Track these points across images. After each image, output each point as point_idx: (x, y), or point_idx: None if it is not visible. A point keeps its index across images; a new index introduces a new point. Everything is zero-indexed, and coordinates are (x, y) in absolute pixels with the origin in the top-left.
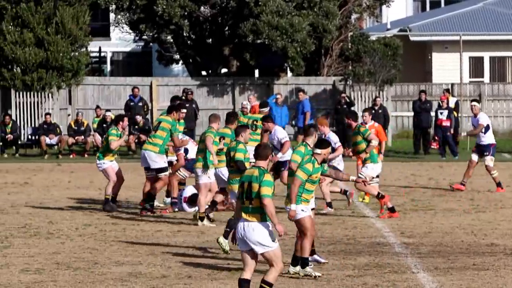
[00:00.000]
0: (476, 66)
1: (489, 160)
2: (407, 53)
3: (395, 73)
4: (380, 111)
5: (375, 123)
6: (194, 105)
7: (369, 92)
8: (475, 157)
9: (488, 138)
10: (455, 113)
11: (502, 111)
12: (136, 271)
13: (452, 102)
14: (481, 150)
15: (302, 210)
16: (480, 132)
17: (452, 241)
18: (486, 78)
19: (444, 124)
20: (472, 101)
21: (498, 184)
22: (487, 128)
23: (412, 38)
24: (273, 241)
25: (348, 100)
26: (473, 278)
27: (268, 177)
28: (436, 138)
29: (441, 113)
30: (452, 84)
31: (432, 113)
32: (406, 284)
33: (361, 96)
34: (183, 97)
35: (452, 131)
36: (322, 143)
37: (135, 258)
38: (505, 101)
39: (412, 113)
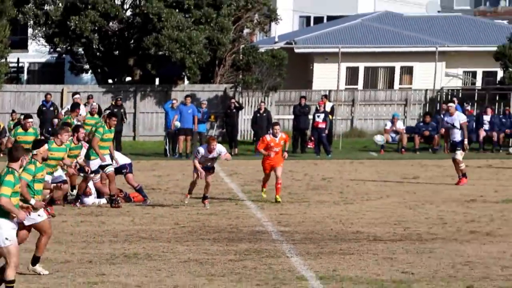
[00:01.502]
0: (352, 75)
1: (459, 154)
2: (292, 63)
3: (280, 81)
4: (264, 114)
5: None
6: (122, 110)
7: (256, 98)
8: (454, 154)
9: (459, 135)
10: (330, 116)
11: (372, 114)
12: (42, 257)
13: (328, 106)
14: (454, 146)
15: (39, 215)
16: (455, 129)
17: (322, 229)
18: (360, 85)
19: (320, 126)
20: (448, 102)
21: (464, 175)
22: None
23: (296, 50)
24: (7, 239)
25: (237, 105)
26: (339, 262)
27: (10, 177)
28: (312, 138)
29: (318, 116)
30: (330, 91)
31: (310, 116)
32: (281, 267)
33: (248, 102)
34: (113, 103)
35: (326, 131)
36: (36, 143)
37: None
38: (375, 106)
39: (292, 116)
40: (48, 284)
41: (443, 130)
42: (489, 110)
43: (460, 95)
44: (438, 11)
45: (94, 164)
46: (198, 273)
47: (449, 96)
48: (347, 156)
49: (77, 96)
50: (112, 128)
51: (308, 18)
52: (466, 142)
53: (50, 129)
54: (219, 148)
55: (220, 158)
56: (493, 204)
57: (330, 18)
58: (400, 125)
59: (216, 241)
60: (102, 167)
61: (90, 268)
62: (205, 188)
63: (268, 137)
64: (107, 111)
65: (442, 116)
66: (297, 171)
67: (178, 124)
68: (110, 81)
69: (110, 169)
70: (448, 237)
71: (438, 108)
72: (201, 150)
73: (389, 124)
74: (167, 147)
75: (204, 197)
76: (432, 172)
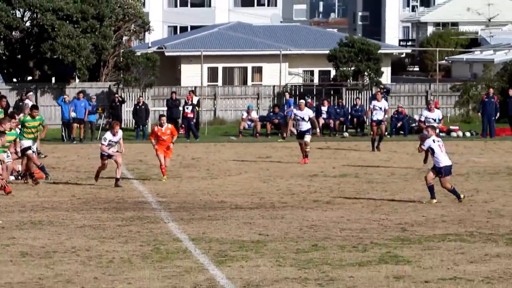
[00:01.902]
0: (212, 74)
1: (308, 138)
2: (163, 65)
3: (154, 79)
4: (143, 107)
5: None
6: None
7: (135, 93)
8: (302, 140)
9: (306, 126)
10: (197, 108)
11: (230, 106)
12: None
13: (195, 100)
14: (302, 133)
15: None
16: (303, 122)
17: (193, 199)
18: (220, 82)
19: (189, 115)
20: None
21: (306, 156)
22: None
23: (166, 54)
24: None
25: (120, 99)
26: (208, 226)
27: None
28: (183, 126)
29: (187, 108)
30: (195, 87)
31: (180, 108)
32: (160, 231)
33: (129, 96)
34: (20, 98)
35: (194, 120)
36: None
37: None
38: (233, 99)
39: (166, 108)
40: None
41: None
42: (325, 102)
43: (301, 90)
44: (281, 21)
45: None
46: (92, 236)
47: (293, 91)
48: (211, 140)
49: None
50: (36, 118)
51: (175, 27)
52: (318, 131)
53: None
54: (120, 132)
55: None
56: (332, 178)
57: (193, 27)
58: (254, 115)
59: (106, 210)
60: (25, 149)
61: (3, 233)
62: (117, 170)
63: (156, 128)
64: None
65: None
66: None
67: (74, 114)
68: (14, 80)
69: (30, 151)
70: (295, 205)
71: (284, 101)
72: (108, 135)
73: (245, 114)
74: (63, 134)
75: (117, 179)
76: (281, 153)
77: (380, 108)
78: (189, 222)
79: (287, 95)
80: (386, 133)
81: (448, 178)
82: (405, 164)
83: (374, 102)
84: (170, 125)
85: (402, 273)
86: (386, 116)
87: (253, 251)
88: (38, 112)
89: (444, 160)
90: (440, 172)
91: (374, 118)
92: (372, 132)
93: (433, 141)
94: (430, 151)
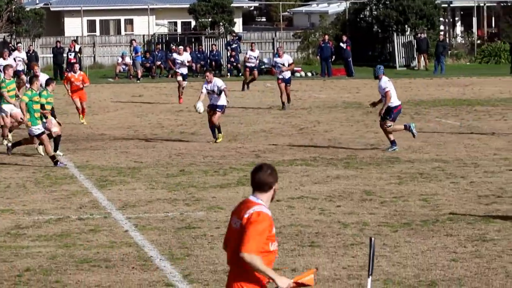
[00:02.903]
0: (91, 26)
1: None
2: (49, 18)
3: (41, 31)
4: (33, 54)
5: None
6: None
7: (26, 43)
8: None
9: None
10: (79, 54)
11: (107, 52)
12: None
13: (77, 48)
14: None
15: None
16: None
17: (77, 133)
18: (98, 33)
19: (72, 61)
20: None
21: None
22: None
23: (52, 9)
24: None
25: (13, 48)
26: (90, 155)
27: None
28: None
29: (70, 54)
30: (77, 37)
31: (64, 55)
32: (49, 160)
33: (22, 46)
34: None
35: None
36: None
37: None
38: (109, 47)
39: (52, 55)
40: None
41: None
42: (188, 49)
43: (167, 39)
44: None
45: None
46: None
47: (160, 39)
48: (92, 82)
49: None
50: None
51: None
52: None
53: None
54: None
55: None
56: (196, 113)
57: None
58: (127, 60)
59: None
60: None
61: None
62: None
63: (69, 74)
64: None
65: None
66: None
67: None
68: None
69: None
70: (165, 136)
71: (153, 48)
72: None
73: (120, 59)
74: None
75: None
76: (151, 92)
77: (283, 65)
78: (74, 152)
79: (134, 43)
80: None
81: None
82: (257, 100)
83: (276, 59)
84: (82, 72)
85: None
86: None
87: (129, 176)
88: None
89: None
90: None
91: (280, 77)
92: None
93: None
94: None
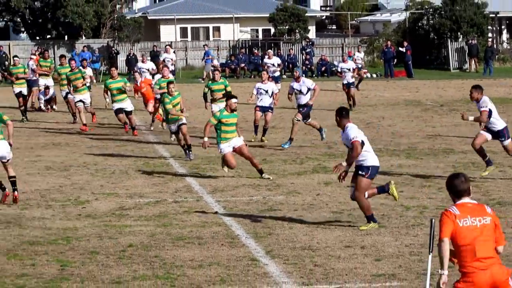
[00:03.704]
0: (183, 32)
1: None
2: (147, 26)
3: (140, 37)
4: (132, 57)
5: None
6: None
7: (127, 47)
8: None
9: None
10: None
11: (198, 56)
12: None
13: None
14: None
15: None
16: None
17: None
18: (189, 38)
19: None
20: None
21: None
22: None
23: (149, 17)
24: None
25: (116, 51)
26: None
27: None
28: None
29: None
30: (171, 42)
31: (161, 58)
32: (148, 150)
33: (122, 49)
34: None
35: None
36: None
37: None
38: (199, 51)
39: (149, 57)
40: None
41: None
42: (270, 53)
43: (250, 44)
44: None
45: None
46: (98, 154)
47: (244, 44)
48: (185, 82)
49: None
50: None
51: None
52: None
53: (3, 67)
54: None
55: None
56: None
57: None
58: (215, 62)
59: (108, 134)
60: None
61: (32, 152)
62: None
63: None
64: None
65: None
66: None
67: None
68: (37, 38)
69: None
70: (250, 129)
71: (237, 51)
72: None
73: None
74: None
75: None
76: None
77: (348, 70)
78: (170, 143)
79: (205, 47)
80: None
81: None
82: (329, 98)
83: (341, 65)
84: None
85: (329, 180)
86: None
87: (218, 164)
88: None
89: None
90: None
91: (344, 82)
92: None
93: None
94: None
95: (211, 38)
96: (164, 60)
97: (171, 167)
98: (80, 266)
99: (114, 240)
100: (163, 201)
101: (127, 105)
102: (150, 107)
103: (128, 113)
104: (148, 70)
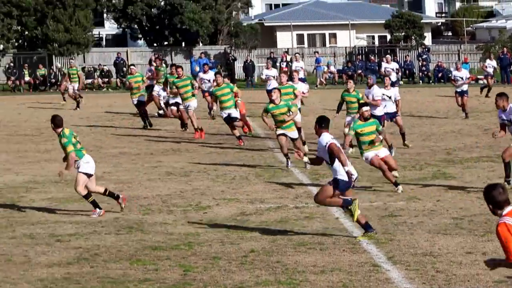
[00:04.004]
0: (299, 39)
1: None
2: (263, 32)
3: (257, 43)
4: (250, 63)
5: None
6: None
7: (244, 53)
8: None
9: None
10: (289, 63)
11: (313, 63)
12: None
13: (288, 57)
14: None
15: None
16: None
17: None
18: (306, 45)
19: (284, 70)
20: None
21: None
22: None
23: (266, 24)
24: None
25: (233, 57)
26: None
27: None
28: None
29: (282, 64)
30: (288, 48)
31: (277, 64)
32: (268, 155)
33: (239, 55)
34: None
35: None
36: None
37: None
38: (315, 57)
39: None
40: None
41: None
42: (388, 58)
43: (366, 50)
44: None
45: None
46: (217, 160)
47: (360, 51)
48: None
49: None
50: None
51: (271, 5)
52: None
53: (122, 74)
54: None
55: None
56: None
57: (284, 4)
58: (332, 68)
59: (227, 140)
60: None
61: (152, 158)
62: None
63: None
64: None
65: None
66: None
67: (197, 68)
68: (155, 44)
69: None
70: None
71: (354, 58)
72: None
73: (326, 68)
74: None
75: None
76: None
77: (461, 78)
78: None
79: (316, 55)
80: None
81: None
82: (446, 104)
83: (454, 73)
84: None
85: (450, 186)
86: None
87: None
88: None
89: None
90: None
91: (458, 90)
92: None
93: None
94: None
95: (327, 44)
96: (295, 69)
97: (291, 173)
98: (202, 271)
99: (236, 245)
100: (284, 206)
101: (233, 112)
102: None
103: (233, 120)
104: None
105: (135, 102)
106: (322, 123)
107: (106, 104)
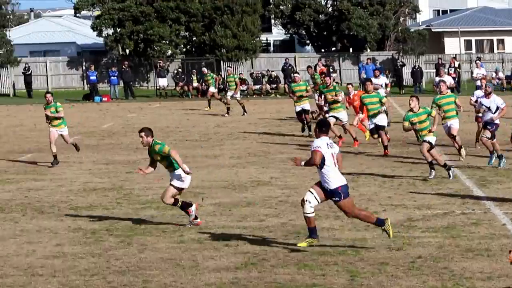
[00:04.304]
0: (467, 45)
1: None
2: (430, 38)
3: (425, 49)
4: (418, 69)
5: None
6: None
7: (412, 59)
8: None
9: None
10: (458, 69)
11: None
12: None
13: (456, 63)
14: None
15: None
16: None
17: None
18: (474, 51)
19: (452, 76)
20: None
21: None
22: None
23: (433, 30)
24: None
25: (401, 63)
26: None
27: None
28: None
29: (450, 70)
30: (456, 54)
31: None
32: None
33: (407, 61)
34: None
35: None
36: None
37: None
38: (483, 63)
39: (434, 70)
40: None
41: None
42: None
43: None
44: None
45: None
46: (385, 165)
47: None
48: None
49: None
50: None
51: (438, 10)
52: None
53: (289, 80)
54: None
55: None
56: None
57: (451, 10)
58: (500, 75)
59: (394, 146)
60: None
61: None
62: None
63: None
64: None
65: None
66: None
67: (364, 75)
68: (322, 50)
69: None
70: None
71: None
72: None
73: (494, 74)
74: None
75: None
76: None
77: None
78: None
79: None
80: None
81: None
82: None
83: None
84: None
85: None
86: None
87: (505, 177)
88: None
89: None
90: None
91: None
92: None
93: None
94: None
95: (495, 50)
96: (477, 76)
97: (458, 179)
98: (369, 276)
99: (403, 251)
100: (451, 212)
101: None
102: (356, 121)
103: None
104: (381, 86)
105: (298, 110)
106: (322, 127)
107: (274, 110)
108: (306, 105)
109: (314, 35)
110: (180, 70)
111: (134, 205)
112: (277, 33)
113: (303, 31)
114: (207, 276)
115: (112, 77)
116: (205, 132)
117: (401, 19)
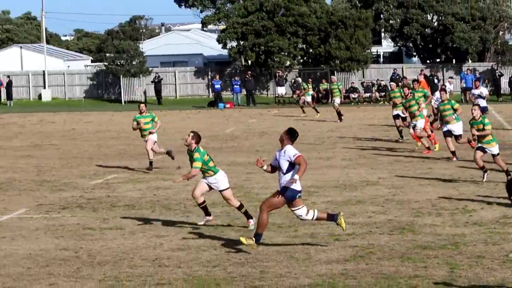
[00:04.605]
0: None
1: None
2: None
3: None
4: None
5: None
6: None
7: (510, 70)
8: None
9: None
10: None
11: None
12: None
13: None
14: None
15: None
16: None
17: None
18: None
19: None
20: None
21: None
22: None
23: None
24: None
25: (499, 73)
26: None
27: None
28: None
29: None
30: None
31: None
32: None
33: (507, 72)
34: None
35: None
36: None
37: None
38: None
39: None
40: None
41: None
42: None
43: None
44: None
45: None
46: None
47: None
48: None
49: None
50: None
51: None
52: None
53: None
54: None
55: None
56: None
57: None
58: None
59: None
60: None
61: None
62: None
63: None
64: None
65: None
66: None
67: (464, 84)
68: (427, 61)
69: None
70: None
71: None
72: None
73: None
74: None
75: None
76: None
77: None
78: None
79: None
80: None
81: None
82: None
83: None
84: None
85: None
86: None
87: None
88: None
89: None
90: None
91: None
92: None
93: None
94: None
95: None
96: None
97: None
98: (467, 269)
99: (498, 245)
100: None
101: (456, 128)
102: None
103: (456, 137)
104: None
105: (394, 114)
106: (292, 136)
107: (383, 116)
108: (402, 112)
109: (421, 47)
110: (299, 79)
111: (253, 203)
112: (387, 46)
113: (411, 44)
114: (318, 267)
115: (235, 86)
116: (319, 136)
117: (501, 33)
